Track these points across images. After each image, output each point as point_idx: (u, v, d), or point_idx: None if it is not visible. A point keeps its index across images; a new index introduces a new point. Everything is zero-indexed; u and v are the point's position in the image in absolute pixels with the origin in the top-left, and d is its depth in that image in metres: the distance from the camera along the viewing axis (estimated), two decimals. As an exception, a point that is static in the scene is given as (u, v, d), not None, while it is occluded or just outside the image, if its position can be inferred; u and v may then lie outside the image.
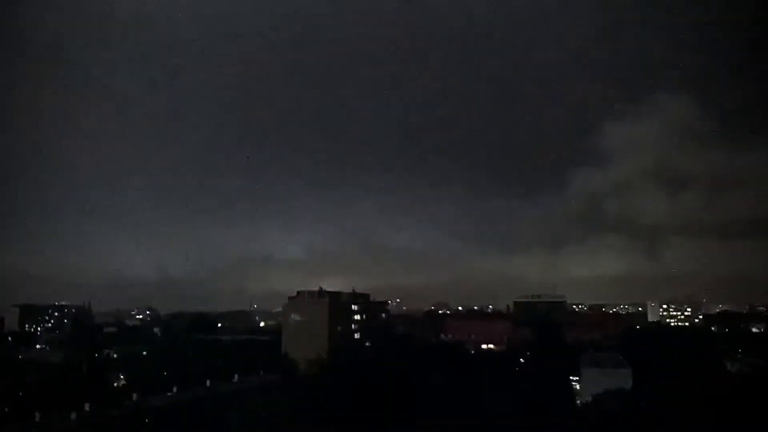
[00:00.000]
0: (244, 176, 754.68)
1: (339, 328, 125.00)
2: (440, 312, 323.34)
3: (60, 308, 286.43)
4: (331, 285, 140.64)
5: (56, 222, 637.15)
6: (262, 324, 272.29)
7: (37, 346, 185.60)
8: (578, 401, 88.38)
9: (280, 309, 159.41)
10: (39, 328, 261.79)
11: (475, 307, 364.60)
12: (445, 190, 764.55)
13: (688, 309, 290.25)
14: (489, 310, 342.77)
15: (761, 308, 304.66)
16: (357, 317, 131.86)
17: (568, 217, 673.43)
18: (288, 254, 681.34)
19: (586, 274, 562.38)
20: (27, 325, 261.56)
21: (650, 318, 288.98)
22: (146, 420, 72.08)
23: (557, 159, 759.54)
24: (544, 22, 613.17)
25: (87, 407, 72.89)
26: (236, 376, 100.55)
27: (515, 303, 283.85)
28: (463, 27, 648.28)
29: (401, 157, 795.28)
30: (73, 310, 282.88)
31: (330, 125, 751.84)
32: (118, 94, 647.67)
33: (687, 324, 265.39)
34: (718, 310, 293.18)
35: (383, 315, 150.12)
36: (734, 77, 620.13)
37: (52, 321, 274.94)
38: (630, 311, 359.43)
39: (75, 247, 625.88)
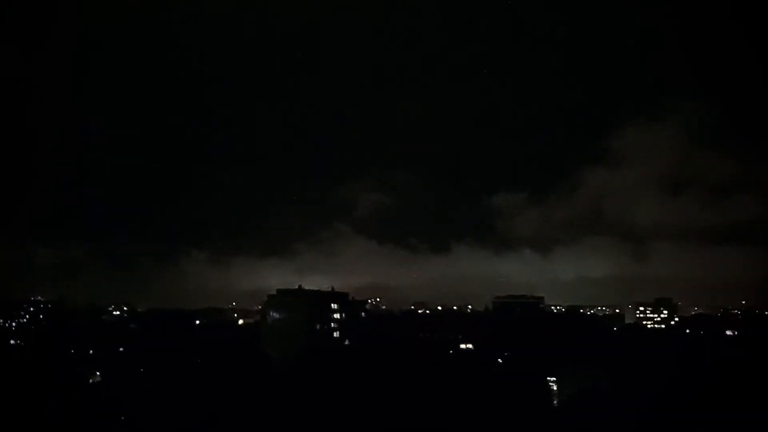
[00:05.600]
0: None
1: (318, 327, 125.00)
2: (420, 311, 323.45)
3: (35, 303, 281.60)
4: (311, 283, 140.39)
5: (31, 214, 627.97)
6: (240, 322, 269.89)
7: (11, 342, 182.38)
8: (555, 401, 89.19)
9: (259, 307, 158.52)
10: (13, 323, 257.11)
11: (455, 307, 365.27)
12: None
13: (665, 311, 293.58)
14: (468, 310, 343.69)
15: (735, 311, 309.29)
16: (336, 316, 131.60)
17: (559, 217, 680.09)
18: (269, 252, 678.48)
19: (570, 275, 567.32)
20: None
21: (627, 320, 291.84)
22: (121, 418, 71.31)
23: (554, 157, 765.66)
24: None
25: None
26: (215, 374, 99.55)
27: (493, 303, 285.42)
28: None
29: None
30: (48, 305, 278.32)
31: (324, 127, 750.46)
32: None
33: (663, 326, 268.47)
34: (693, 313, 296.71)
35: (362, 314, 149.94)
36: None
37: (27, 316, 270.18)
38: (607, 313, 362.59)
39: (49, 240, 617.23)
